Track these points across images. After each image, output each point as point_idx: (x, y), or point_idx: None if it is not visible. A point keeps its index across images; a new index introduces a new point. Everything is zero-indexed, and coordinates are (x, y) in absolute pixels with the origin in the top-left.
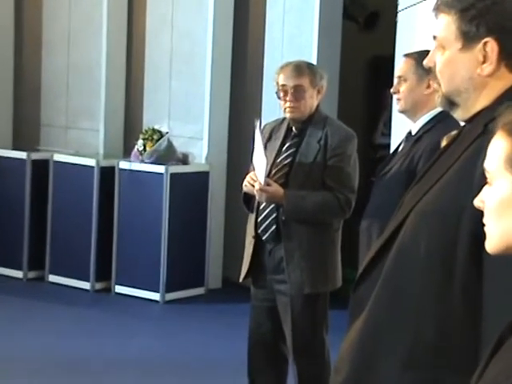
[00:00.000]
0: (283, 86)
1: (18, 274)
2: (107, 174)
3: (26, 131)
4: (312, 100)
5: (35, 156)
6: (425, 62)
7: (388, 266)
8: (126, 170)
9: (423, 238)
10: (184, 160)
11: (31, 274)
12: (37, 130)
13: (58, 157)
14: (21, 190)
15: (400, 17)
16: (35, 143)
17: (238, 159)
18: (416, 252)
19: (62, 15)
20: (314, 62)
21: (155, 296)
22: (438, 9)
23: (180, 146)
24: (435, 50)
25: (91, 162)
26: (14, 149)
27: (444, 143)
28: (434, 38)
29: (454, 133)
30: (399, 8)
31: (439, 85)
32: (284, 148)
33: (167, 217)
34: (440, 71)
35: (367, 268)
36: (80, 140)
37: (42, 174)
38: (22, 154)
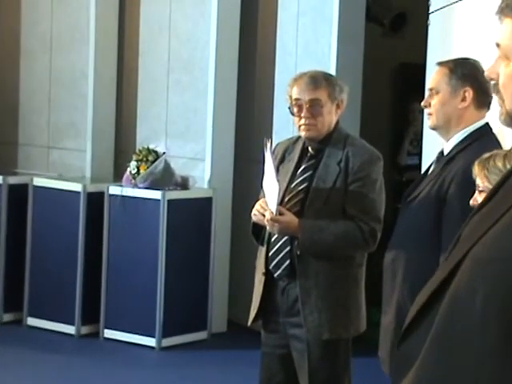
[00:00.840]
0: (297, 100)
1: None
2: (95, 200)
3: (1, 152)
4: (330, 116)
5: (12, 180)
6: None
7: (440, 318)
8: (116, 195)
9: (479, 287)
10: (183, 184)
11: (6, 317)
12: (14, 151)
13: (38, 181)
14: None
15: (432, 19)
16: (12, 165)
17: (245, 183)
18: (471, 303)
19: (43, 18)
20: (333, 71)
21: (150, 341)
22: (502, 12)
23: (179, 169)
24: (498, 60)
25: (77, 187)
26: None
27: (476, 167)
28: (498, 46)
29: (486, 155)
30: (431, 9)
31: (502, 100)
32: (299, 171)
33: (164, 249)
34: (504, 85)
35: (415, 319)
36: (64, 162)
37: (20, 200)
38: None
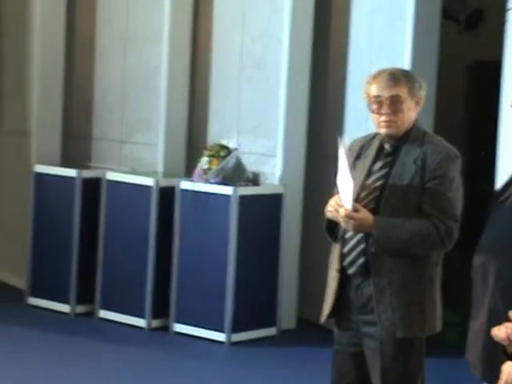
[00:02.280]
0: (377, 97)
1: (65, 308)
2: (166, 195)
3: (76, 146)
4: (410, 113)
5: (86, 174)
6: None
7: None
8: (188, 190)
9: None
10: (254, 180)
11: (79, 309)
12: (88, 145)
13: (111, 175)
14: (69, 212)
15: (511, 15)
16: (86, 159)
17: (316, 180)
18: None
19: (118, 17)
20: (407, 69)
21: (220, 336)
22: None
23: (250, 164)
24: None
25: (149, 182)
26: (63, 165)
27: None
28: None
29: None
30: (510, 5)
31: None
32: (375, 168)
33: (234, 245)
34: None
35: None
36: (136, 156)
37: (94, 194)
38: (72, 172)
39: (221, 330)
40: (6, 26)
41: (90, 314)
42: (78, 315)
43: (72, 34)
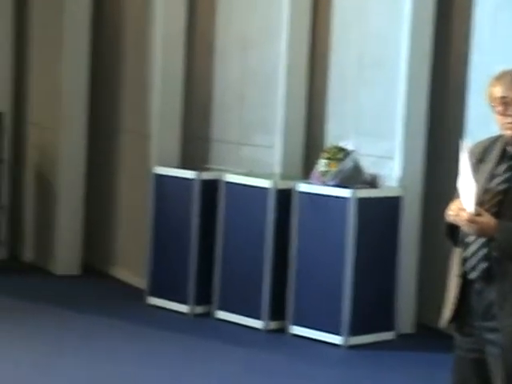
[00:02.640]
0: (503, 98)
1: (184, 308)
2: (284, 197)
3: (194, 147)
4: None
5: (204, 175)
6: None
7: None
8: (305, 193)
9: None
10: (372, 183)
11: (198, 310)
12: (206, 146)
13: (229, 177)
14: (188, 214)
15: None
16: (204, 161)
17: (435, 182)
18: None
19: (238, 19)
20: None
21: (337, 339)
22: None
23: (368, 167)
24: None
25: (266, 184)
26: (182, 167)
27: None
28: None
29: None
30: None
31: None
32: (498, 171)
33: (352, 248)
34: None
35: None
36: (253, 158)
37: (212, 196)
38: (190, 174)
39: (338, 333)
40: (126, 30)
41: (208, 315)
42: (196, 316)
43: (192, 36)
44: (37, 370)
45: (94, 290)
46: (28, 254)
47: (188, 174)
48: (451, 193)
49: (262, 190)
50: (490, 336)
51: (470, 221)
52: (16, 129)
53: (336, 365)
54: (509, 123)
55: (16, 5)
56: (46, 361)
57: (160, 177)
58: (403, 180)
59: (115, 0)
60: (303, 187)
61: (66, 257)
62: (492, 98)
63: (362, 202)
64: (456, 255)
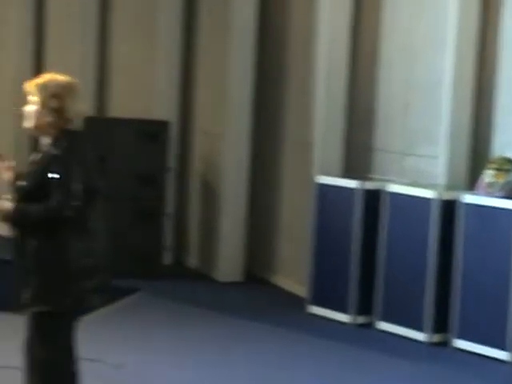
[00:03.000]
0: None
1: (345, 318)
2: (447, 208)
3: (357, 156)
4: None
5: (367, 185)
6: None
7: None
8: (471, 204)
9: None
10: None
11: (359, 319)
12: (369, 156)
13: (392, 187)
14: (350, 223)
15: None
16: (367, 170)
17: None
18: None
19: (402, 28)
20: None
21: (503, 355)
22: None
23: None
24: None
25: (430, 194)
26: (344, 176)
27: None
28: None
29: None
30: None
31: None
32: None
33: None
34: None
35: None
36: (417, 168)
37: (374, 206)
38: (353, 183)
39: (504, 348)
40: (290, 41)
41: (369, 325)
42: (357, 326)
43: (356, 45)
44: (209, 372)
45: (256, 297)
46: (192, 261)
47: (351, 183)
48: None
49: (426, 201)
50: None
51: None
52: (182, 138)
53: (502, 382)
54: None
55: (184, 17)
56: (212, 371)
57: (322, 186)
58: None
59: (280, 12)
60: (469, 198)
61: (229, 264)
62: None
63: None
64: None
